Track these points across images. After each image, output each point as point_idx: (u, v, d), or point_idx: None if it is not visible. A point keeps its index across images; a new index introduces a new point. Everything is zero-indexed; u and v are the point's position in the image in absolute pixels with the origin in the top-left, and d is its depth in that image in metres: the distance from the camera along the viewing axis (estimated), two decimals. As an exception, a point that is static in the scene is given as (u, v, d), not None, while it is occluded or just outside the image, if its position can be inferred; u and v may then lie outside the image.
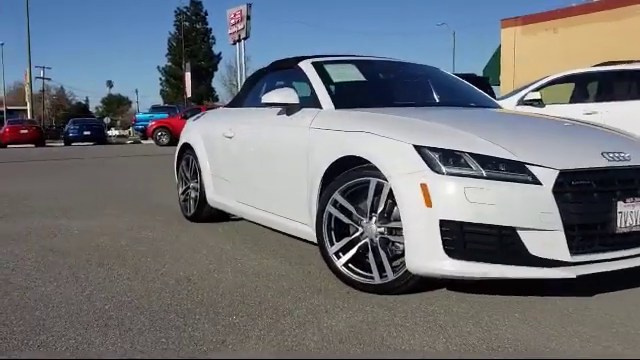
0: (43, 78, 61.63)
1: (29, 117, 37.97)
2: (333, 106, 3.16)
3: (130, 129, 59.40)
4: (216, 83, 60.17)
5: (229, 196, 4.09)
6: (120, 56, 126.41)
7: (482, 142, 2.45)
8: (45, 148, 24.65)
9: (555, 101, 7.75)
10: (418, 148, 2.44)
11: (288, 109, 3.35)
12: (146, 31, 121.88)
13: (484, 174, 2.33)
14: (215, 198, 4.34)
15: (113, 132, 52.79)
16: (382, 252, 2.61)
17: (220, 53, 58.87)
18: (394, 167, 2.49)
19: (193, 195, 4.68)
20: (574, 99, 7.81)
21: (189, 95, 36.87)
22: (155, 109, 30.72)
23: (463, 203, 2.31)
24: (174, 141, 22.88)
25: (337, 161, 2.82)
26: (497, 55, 20.91)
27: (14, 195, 6.59)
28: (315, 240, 3.07)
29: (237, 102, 4.38)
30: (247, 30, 31.64)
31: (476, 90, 3.95)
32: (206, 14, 58.89)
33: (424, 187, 2.36)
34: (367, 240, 2.68)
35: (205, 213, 4.57)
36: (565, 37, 18.15)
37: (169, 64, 58.20)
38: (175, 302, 2.58)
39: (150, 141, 25.01)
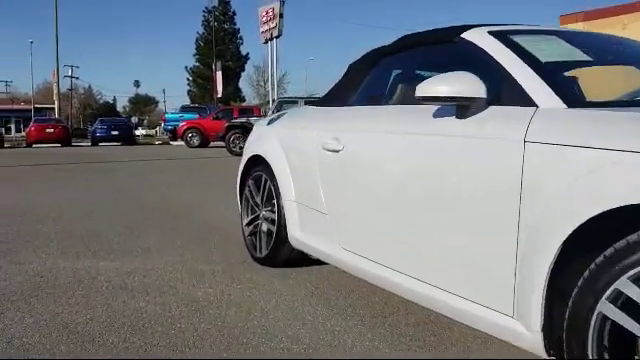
0: (71, 77, 61.60)
1: (56, 116, 37.27)
2: (562, 102, 1.76)
3: (157, 128, 58.83)
4: (243, 84, 59.15)
5: (328, 238, 2.72)
6: (148, 56, 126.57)
7: None
8: (71, 148, 23.69)
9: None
10: None
11: (460, 108, 1.96)
12: (174, 31, 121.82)
13: None
14: (301, 237, 2.98)
15: (140, 131, 52.10)
16: None
17: (248, 53, 57.92)
18: None
19: (265, 228, 3.34)
20: None
21: (220, 95, 35.80)
22: (185, 109, 29.58)
23: None
24: (205, 143, 21.77)
25: (611, 211, 1.42)
26: (555, 54, 19.27)
27: (27, 211, 5.34)
28: (531, 348, 1.69)
29: (337, 98, 2.98)
30: (279, 28, 30.50)
31: None
32: (234, 14, 58.01)
33: None
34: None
35: (283, 255, 3.23)
36: (636, 33, 16.46)
37: (197, 64, 57.44)
38: None
39: (179, 142, 23.90)
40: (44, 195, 6.82)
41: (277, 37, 30.63)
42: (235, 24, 58.02)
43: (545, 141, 1.65)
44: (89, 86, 75.90)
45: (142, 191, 7.27)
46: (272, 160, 3.23)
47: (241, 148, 16.85)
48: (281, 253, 3.22)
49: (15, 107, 62.13)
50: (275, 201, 3.19)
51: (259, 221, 3.42)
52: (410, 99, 2.28)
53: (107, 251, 3.74)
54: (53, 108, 43.11)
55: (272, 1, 30.70)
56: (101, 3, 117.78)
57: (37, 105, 54.07)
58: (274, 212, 3.21)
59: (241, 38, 57.93)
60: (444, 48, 2.38)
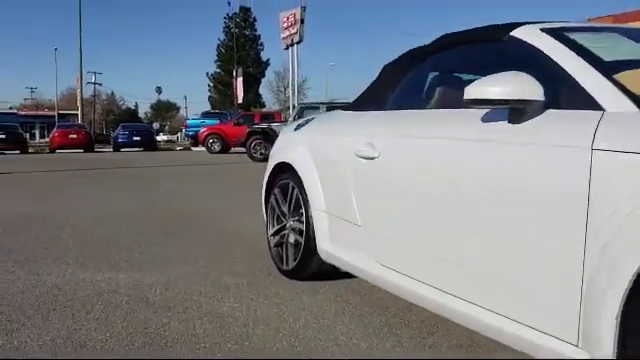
0: (94, 83, 62.51)
1: (79, 121, 37.71)
2: (633, 105, 1.56)
3: (178, 134, 59.31)
4: (263, 89, 59.32)
5: (362, 252, 2.54)
6: (169, 62, 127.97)
7: None
8: (94, 154, 23.87)
9: None
10: None
11: (513, 111, 1.78)
12: (195, 38, 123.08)
13: None
14: (332, 250, 2.81)
15: (162, 137, 52.52)
16: None
17: (268, 59, 58.08)
18: None
19: (292, 240, 3.17)
20: None
21: (240, 101, 35.87)
22: (206, 115, 29.68)
23: None
24: (226, 148, 21.76)
25: None
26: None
27: (47, 216, 5.25)
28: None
29: (371, 102, 2.80)
30: (301, 34, 30.40)
31: None
32: (255, 20, 58.24)
33: None
34: None
35: (311, 268, 3.05)
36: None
37: (217, 70, 57.75)
38: None
39: (200, 148, 23.97)
40: (65, 201, 6.76)
41: (298, 43, 30.55)
42: (256, 30, 58.25)
43: (617, 149, 1.46)
44: (112, 92, 76.99)
45: (164, 198, 7.17)
46: (300, 168, 3.07)
47: (262, 154, 16.67)
48: (309, 266, 3.05)
49: (40, 113, 63.19)
50: (303, 211, 3.02)
51: (286, 232, 3.26)
52: (453, 102, 2.11)
53: (127, 261, 3.61)
54: (77, 114, 43.64)
55: (293, 7, 30.73)
56: (124, 10, 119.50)
57: (61, 111, 54.94)
58: (302, 222, 3.05)
59: (261, 44, 58.13)
60: (490, 48, 2.20)
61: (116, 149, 27.18)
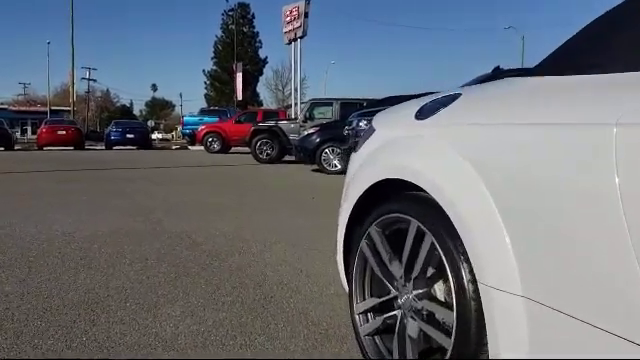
0: (88, 79, 60.82)
1: (72, 118, 35.99)
2: None
3: (173, 133, 57.68)
4: (261, 88, 57.89)
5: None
6: (165, 59, 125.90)
7: None
8: (84, 152, 22.20)
9: None
10: None
11: None
12: (192, 34, 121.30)
13: None
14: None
15: (156, 135, 50.91)
16: None
17: (266, 57, 56.64)
18: None
19: (415, 332, 1.62)
20: None
21: (240, 98, 34.31)
22: (205, 112, 28.07)
23: None
24: (226, 148, 20.08)
25: None
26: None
27: (10, 251, 3.70)
28: None
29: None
30: (304, 28, 28.95)
31: None
32: (253, 17, 56.81)
33: None
34: None
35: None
36: None
37: (214, 68, 56.30)
38: None
39: (198, 147, 22.40)
40: (39, 219, 5.15)
41: (301, 37, 29.07)
42: (254, 27, 56.82)
43: None
44: (106, 89, 75.25)
45: (165, 215, 5.58)
46: (443, 191, 1.52)
47: (268, 155, 14.82)
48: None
49: (32, 109, 61.38)
50: (452, 281, 1.48)
51: (397, 312, 1.72)
52: None
53: (113, 348, 2.05)
54: (70, 110, 41.97)
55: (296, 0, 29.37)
56: (120, 6, 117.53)
57: (54, 107, 53.24)
58: (446, 305, 1.51)
59: (260, 41, 56.75)
60: None
61: (108, 147, 25.60)
